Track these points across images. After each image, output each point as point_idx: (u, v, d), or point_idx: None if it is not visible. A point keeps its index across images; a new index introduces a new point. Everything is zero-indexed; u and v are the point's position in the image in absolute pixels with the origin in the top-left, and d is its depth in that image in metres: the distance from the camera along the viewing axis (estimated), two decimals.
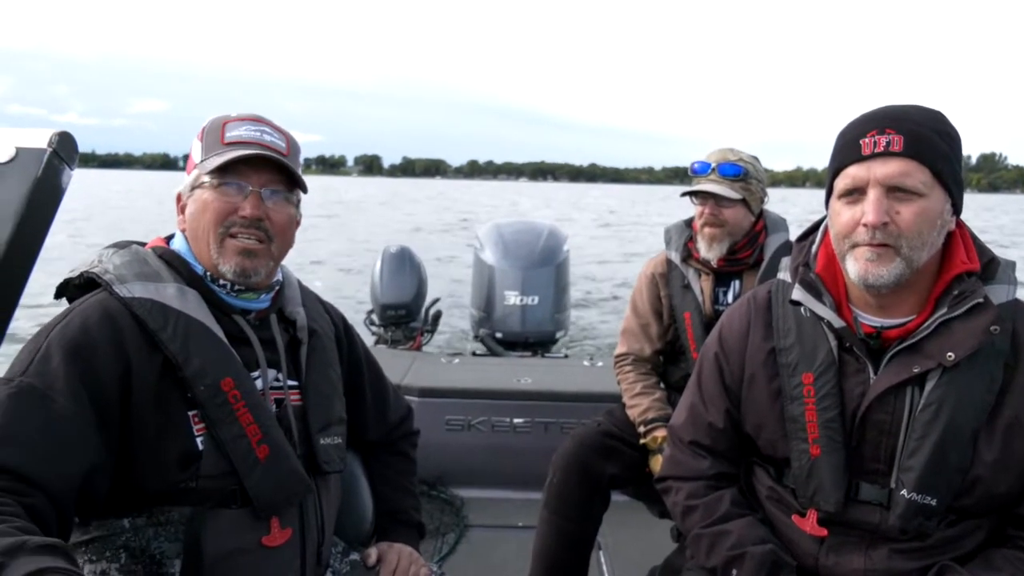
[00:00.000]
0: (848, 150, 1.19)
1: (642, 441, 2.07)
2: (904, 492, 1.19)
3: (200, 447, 1.14)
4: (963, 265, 1.19)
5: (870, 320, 1.24)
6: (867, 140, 1.16)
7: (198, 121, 1.29)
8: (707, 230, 2.12)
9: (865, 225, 1.14)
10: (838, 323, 1.24)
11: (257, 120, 1.26)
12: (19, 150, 1.21)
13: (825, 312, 1.25)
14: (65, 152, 1.20)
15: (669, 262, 2.24)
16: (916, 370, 1.18)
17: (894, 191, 1.14)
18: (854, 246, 1.18)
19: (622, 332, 2.33)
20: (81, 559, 1.13)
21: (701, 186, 2.10)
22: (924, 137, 1.14)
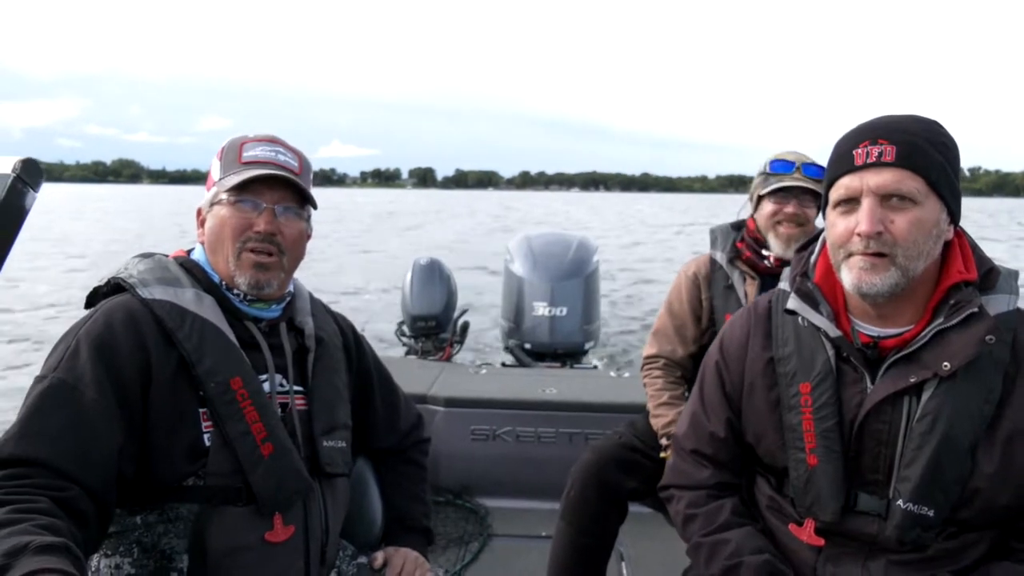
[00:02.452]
0: (842, 161, 1.20)
1: (662, 454, 2.04)
2: (901, 503, 1.17)
3: (207, 443, 1.21)
4: (959, 275, 1.18)
5: (868, 330, 1.23)
6: (860, 151, 1.17)
7: None
8: (784, 228, 2.02)
9: (859, 234, 1.15)
10: (834, 332, 1.23)
11: (272, 141, 1.34)
12: None
13: (821, 321, 1.25)
14: (29, 177, 1.26)
15: (713, 263, 2.18)
16: (913, 380, 1.17)
17: (888, 200, 1.14)
18: (849, 255, 1.18)
19: (653, 333, 2.26)
20: (97, 553, 1.21)
21: (797, 182, 2.00)
22: (917, 147, 1.14)
